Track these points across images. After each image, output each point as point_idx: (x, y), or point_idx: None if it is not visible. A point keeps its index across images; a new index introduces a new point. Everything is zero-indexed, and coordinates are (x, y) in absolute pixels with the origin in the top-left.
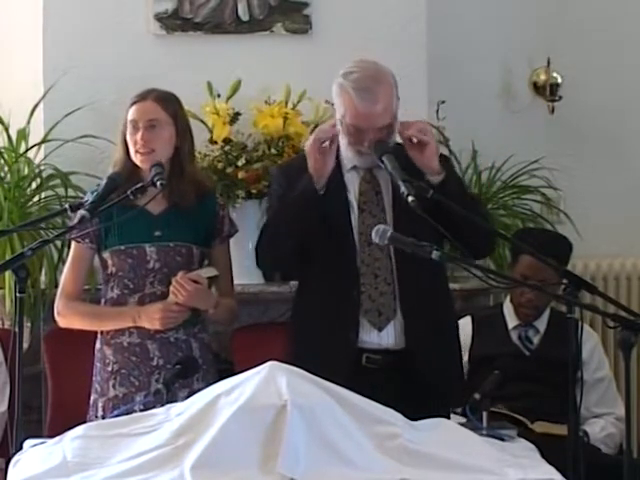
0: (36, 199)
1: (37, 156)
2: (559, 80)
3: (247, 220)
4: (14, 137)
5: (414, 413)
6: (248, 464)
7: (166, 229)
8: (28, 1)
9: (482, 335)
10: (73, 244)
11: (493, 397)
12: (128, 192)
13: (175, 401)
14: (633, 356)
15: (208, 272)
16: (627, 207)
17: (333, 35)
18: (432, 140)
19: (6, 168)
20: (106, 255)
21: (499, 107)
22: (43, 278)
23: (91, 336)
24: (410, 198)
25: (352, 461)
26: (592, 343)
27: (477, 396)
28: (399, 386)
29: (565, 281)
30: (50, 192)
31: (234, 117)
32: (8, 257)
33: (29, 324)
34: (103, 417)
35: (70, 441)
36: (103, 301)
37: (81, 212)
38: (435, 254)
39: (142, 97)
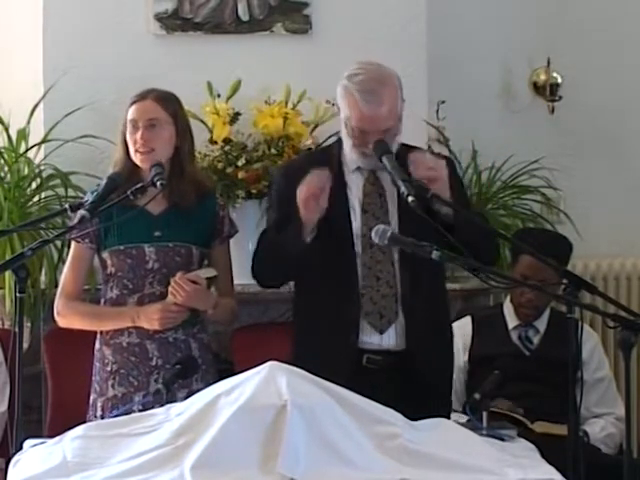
0: (36, 199)
1: (37, 156)
2: (559, 80)
3: (247, 220)
4: (14, 137)
5: (414, 413)
6: (248, 464)
7: (166, 229)
8: (28, 1)
9: (482, 335)
10: (73, 244)
11: (493, 397)
12: (128, 192)
13: (174, 401)
14: (633, 356)
15: (207, 272)
16: (627, 207)
17: (333, 35)
18: (442, 174)
19: (6, 168)
20: (105, 255)
21: (499, 107)
22: (43, 278)
23: (91, 336)
24: (410, 198)
25: (352, 461)
26: (592, 343)
27: (477, 396)
28: (400, 386)
29: (565, 281)
30: (50, 192)
31: (234, 117)
32: (8, 257)
33: (29, 324)
34: (102, 417)
35: (70, 441)
36: (103, 301)
37: (81, 212)
38: (435, 254)
39: (142, 97)
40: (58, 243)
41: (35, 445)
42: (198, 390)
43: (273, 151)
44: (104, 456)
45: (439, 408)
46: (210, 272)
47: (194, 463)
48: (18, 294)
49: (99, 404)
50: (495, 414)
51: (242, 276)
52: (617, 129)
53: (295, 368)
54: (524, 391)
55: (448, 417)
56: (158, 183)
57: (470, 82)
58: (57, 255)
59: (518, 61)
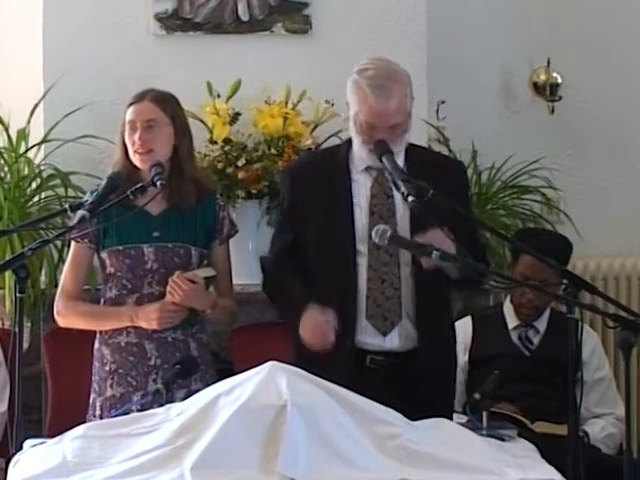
0: (36, 199)
1: (37, 156)
2: (559, 80)
3: (247, 220)
4: (14, 137)
5: (418, 413)
6: (248, 464)
7: (165, 230)
8: (28, 1)
9: (482, 335)
10: (73, 244)
11: (493, 397)
12: (128, 192)
13: (173, 401)
14: (633, 356)
15: (205, 272)
16: (627, 207)
17: (333, 35)
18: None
19: (6, 168)
20: (104, 255)
21: (499, 107)
22: (43, 278)
23: (91, 336)
24: (410, 198)
25: (352, 461)
26: (592, 343)
27: (477, 396)
28: (403, 386)
29: (565, 281)
30: (50, 192)
31: (234, 117)
32: (8, 257)
33: (29, 324)
34: (101, 417)
35: (70, 441)
36: (102, 301)
37: (81, 212)
38: (435, 254)
39: (139, 98)
40: (58, 243)
41: (35, 445)
42: (197, 390)
43: (273, 151)
44: (104, 456)
45: (442, 409)
46: (208, 272)
47: (194, 463)
48: (18, 294)
49: (98, 404)
50: (495, 414)
51: (242, 276)
52: (617, 129)
53: (295, 368)
54: (524, 391)
55: (451, 418)
56: (158, 183)
57: (470, 82)
58: (57, 255)
59: (518, 61)
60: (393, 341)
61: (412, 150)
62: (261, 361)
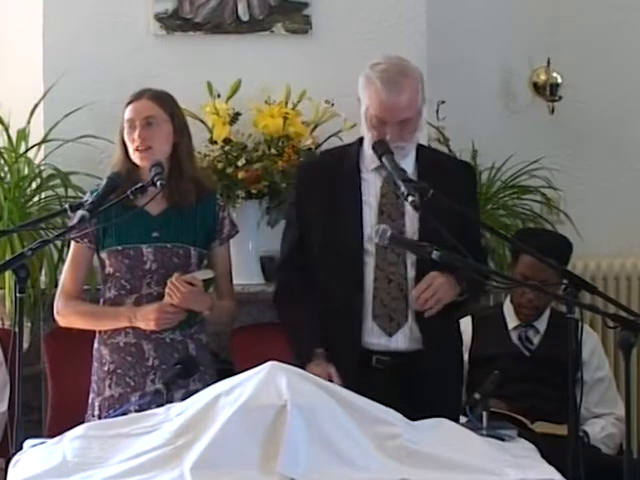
0: (36, 199)
1: (37, 156)
2: (559, 80)
3: (247, 220)
4: (14, 137)
5: (424, 414)
6: (248, 464)
7: (164, 230)
8: (28, 1)
9: (482, 335)
10: (72, 244)
11: (493, 397)
12: (128, 192)
13: (172, 402)
14: (633, 356)
15: (203, 274)
16: (627, 207)
17: (333, 35)
18: (442, 298)
19: (6, 168)
20: (104, 255)
21: (499, 107)
22: (43, 278)
23: (91, 336)
24: (410, 198)
25: (352, 461)
26: (592, 343)
27: (477, 396)
28: (409, 387)
29: (565, 281)
30: (50, 192)
31: (234, 117)
32: (8, 257)
33: (29, 324)
34: (100, 417)
35: (70, 441)
36: (102, 301)
37: (81, 212)
38: (435, 254)
39: (137, 96)
40: (58, 243)
41: (35, 445)
42: (195, 390)
43: (273, 151)
44: (104, 456)
45: (449, 410)
46: (207, 274)
47: (194, 463)
48: (18, 294)
49: (97, 404)
50: (495, 414)
51: (242, 276)
52: (617, 129)
53: (295, 368)
54: (524, 391)
55: (457, 418)
56: (158, 183)
57: (470, 82)
58: (57, 255)
59: (518, 61)
60: (399, 342)
61: (422, 151)
62: (261, 361)
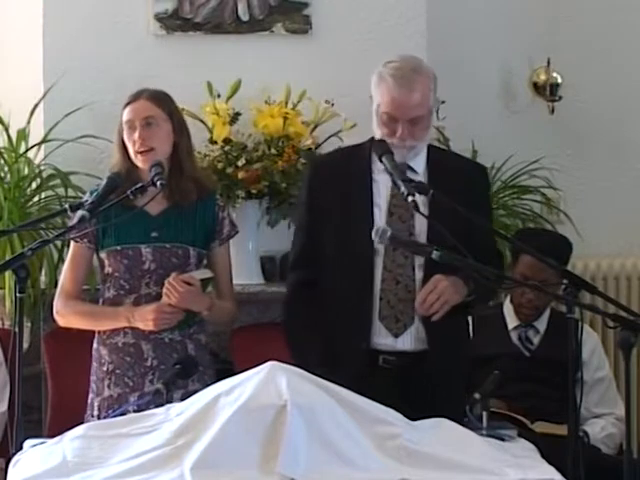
0: (36, 199)
1: (37, 156)
2: (559, 80)
3: (247, 220)
4: (14, 137)
5: (428, 413)
6: (248, 464)
7: (163, 230)
8: (28, 1)
9: (482, 335)
10: (72, 244)
11: (493, 397)
12: (128, 192)
13: (170, 402)
14: (633, 356)
15: (202, 274)
16: (627, 207)
17: (333, 35)
18: (447, 300)
19: (6, 168)
20: (103, 255)
21: (499, 107)
22: (43, 278)
23: (91, 336)
24: (410, 198)
25: (352, 461)
26: (592, 343)
27: (477, 396)
28: (415, 387)
29: (565, 281)
30: (50, 192)
31: (234, 117)
32: (8, 257)
33: (29, 324)
34: (99, 417)
35: (70, 441)
36: (101, 301)
37: (80, 212)
38: (435, 254)
39: (135, 97)
40: (58, 243)
41: (35, 445)
42: (195, 391)
43: (273, 151)
44: (104, 456)
45: (453, 411)
46: (205, 273)
47: (194, 463)
48: (18, 294)
49: (96, 404)
50: (495, 414)
51: (242, 276)
52: (617, 129)
53: (295, 368)
54: (524, 391)
55: (461, 419)
56: (158, 183)
57: (470, 82)
58: (57, 255)
59: (518, 61)
60: (405, 342)
61: (434, 152)
62: (261, 361)
